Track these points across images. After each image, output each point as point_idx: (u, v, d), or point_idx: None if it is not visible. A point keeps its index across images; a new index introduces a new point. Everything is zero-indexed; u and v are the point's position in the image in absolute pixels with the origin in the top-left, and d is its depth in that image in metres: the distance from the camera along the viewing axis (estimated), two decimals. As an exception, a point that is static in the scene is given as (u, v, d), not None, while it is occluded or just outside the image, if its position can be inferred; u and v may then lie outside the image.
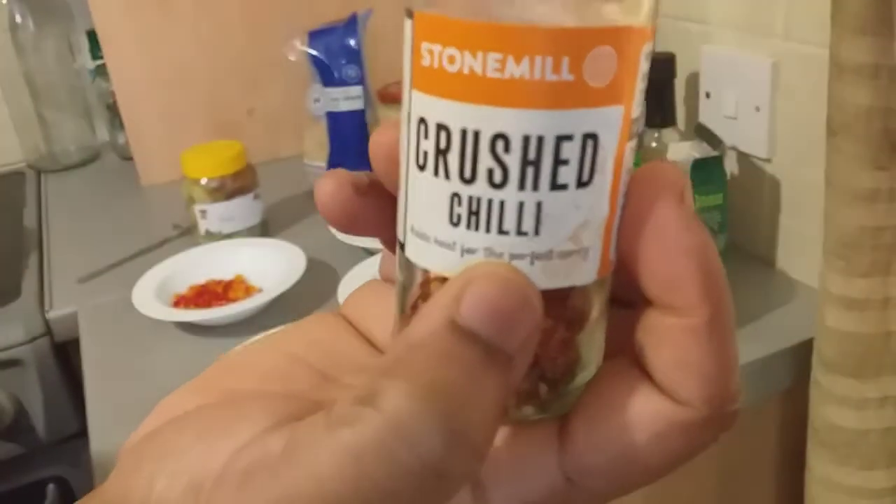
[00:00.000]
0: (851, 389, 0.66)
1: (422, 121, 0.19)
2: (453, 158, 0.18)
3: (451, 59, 0.18)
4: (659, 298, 0.19)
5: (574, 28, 0.17)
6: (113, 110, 1.28)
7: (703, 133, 0.80)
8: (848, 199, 0.62)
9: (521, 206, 0.18)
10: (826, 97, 0.62)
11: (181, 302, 0.84)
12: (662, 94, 0.86)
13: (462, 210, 0.18)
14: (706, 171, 0.76)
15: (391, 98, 1.10)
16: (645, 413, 0.19)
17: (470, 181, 0.18)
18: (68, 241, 1.08)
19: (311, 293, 0.84)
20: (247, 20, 1.19)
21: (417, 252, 0.20)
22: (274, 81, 1.21)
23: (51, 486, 0.94)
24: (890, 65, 0.58)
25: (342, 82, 1.07)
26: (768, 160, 0.83)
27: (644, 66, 0.19)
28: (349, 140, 1.09)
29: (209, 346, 0.79)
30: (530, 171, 0.18)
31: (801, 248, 0.82)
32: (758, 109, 0.81)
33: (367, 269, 0.86)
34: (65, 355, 0.92)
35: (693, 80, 0.89)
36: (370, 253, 0.91)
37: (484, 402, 0.17)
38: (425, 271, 0.20)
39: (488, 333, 0.17)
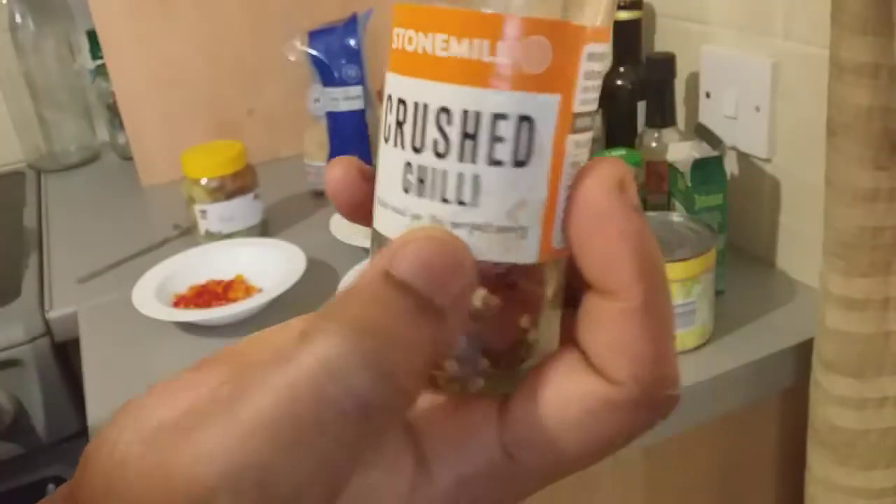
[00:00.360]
0: (851, 389, 0.66)
1: (389, 97, 0.21)
2: (408, 129, 0.20)
3: (410, 40, 0.20)
4: (596, 282, 0.20)
5: (511, 16, 0.19)
6: (113, 110, 1.28)
7: (703, 133, 0.80)
8: (848, 199, 0.62)
9: (460, 176, 0.19)
10: (826, 97, 0.62)
11: (181, 302, 0.84)
12: (662, 94, 0.86)
13: (412, 178, 0.20)
14: (706, 171, 0.76)
15: (391, 98, 1.10)
16: (578, 390, 0.20)
17: (419, 151, 0.20)
18: (68, 241, 1.08)
19: (311, 293, 0.84)
20: (247, 20, 1.19)
21: (379, 219, 0.21)
22: (274, 81, 1.21)
23: (51, 486, 0.94)
24: (890, 65, 0.58)
25: (342, 82, 1.07)
26: (768, 160, 0.83)
27: (588, 66, 0.20)
28: (349, 140, 1.09)
29: (209, 346, 0.79)
30: (469, 143, 0.19)
31: (801, 248, 0.82)
32: (758, 109, 0.81)
33: (367, 269, 0.86)
34: (65, 355, 0.92)
35: (693, 80, 0.89)
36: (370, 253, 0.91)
37: (413, 347, 0.18)
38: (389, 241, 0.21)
39: (419, 285, 0.18)
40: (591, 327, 0.20)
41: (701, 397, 0.71)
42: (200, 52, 1.18)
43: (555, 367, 0.21)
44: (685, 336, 0.72)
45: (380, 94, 1.15)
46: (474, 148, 0.19)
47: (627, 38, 0.92)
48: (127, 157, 1.28)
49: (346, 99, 1.07)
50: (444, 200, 0.20)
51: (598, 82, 0.21)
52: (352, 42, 1.06)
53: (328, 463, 0.18)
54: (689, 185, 0.76)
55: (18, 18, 1.29)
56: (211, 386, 0.19)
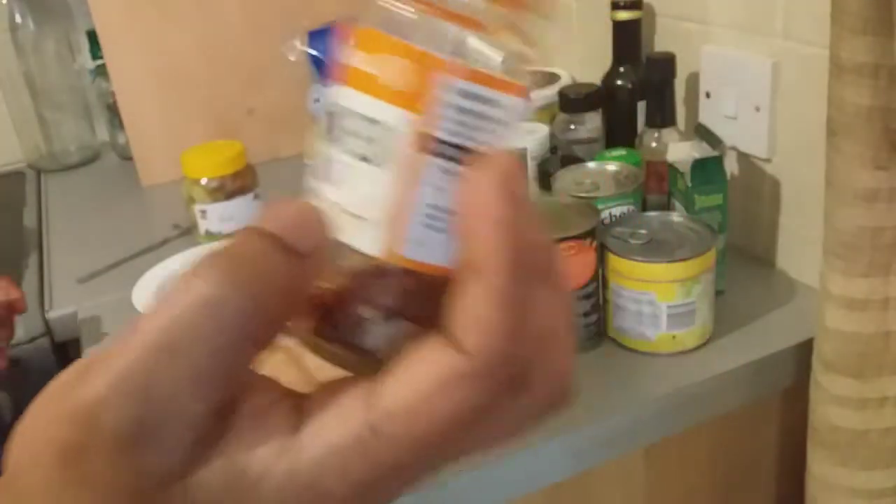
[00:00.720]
0: (851, 389, 0.66)
1: None
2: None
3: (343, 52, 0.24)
4: (469, 262, 0.22)
5: (388, 37, 0.22)
6: (113, 110, 1.28)
7: (703, 133, 0.80)
8: (848, 199, 0.62)
9: (328, 159, 0.23)
10: (826, 97, 0.62)
11: (181, 302, 0.84)
12: (662, 94, 0.86)
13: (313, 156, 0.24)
14: (706, 171, 0.76)
15: (391, 98, 1.10)
16: (434, 363, 0.22)
17: (321, 136, 0.24)
18: (68, 241, 1.08)
19: (311, 293, 0.84)
20: (247, 20, 1.19)
21: None
22: (274, 81, 1.21)
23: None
24: (890, 65, 0.58)
25: (342, 82, 1.06)
26: (768, 160, 0.83)
27: (455, 100, 0.22)
28: (349, 140, 1.09)
29: (209, 346, 0.79)
30: (339, 133, 0.23)
31: (801, 248, 0.82)
32: (758, 109, 0.81)
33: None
34: (65, 355, 0.92)
35: (693, 80, 0.89)
36: (370, 253, 0.91)
37: (279, 279, 0.21)
38: None
39: (283, 234, 0.22)
40: (458, 301, 0.22)
41: (701, 397, 0.71)
42: (200, 52, 1.18)
43: (419, 346, 0.22)
44: (685, 336, 0.72)
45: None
46: (338, 137, 0.23)
47: (627, 38, 0.92)
48: (127, 157, 1.28)
49: (346, 99, 1.07)
50: (322, 178, 0.24)
51: (490, 125, 0.23)
52: (352, 42, 1.06)
53: (204, 368, 0.21)
54: (689, 185, 0.76)
55: (18, 18, 1.29)
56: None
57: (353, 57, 0.23)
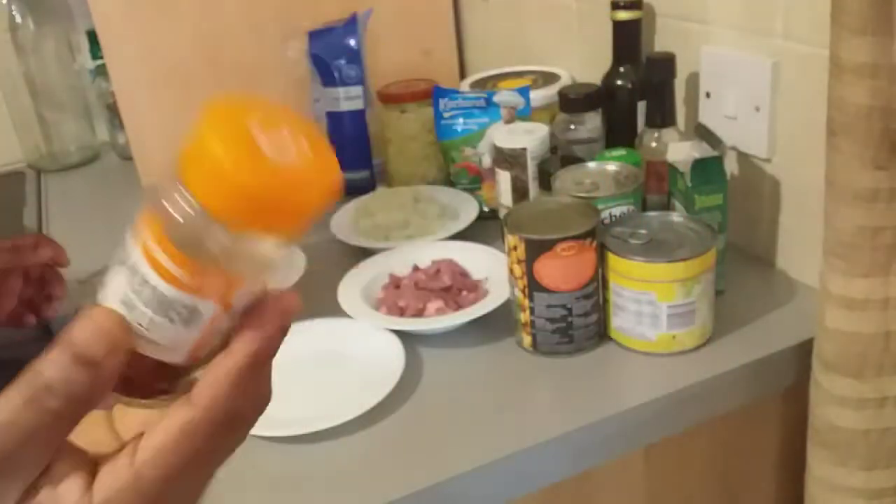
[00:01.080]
0: (851, 389, 0.66)
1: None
2: (127, 272, 0.34)
3: (155, 245, 0.33)
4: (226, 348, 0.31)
5: (190, 264, 0.30)
6: (113, 110, 1.28)
7: (703, 133, 0.80)
8: (848, 199, 0.62)
9: (130, 303, 0.32)
10: (826, 97, 0.62)
11: (181, 302, 0.84)
12: (662, 94, 0.86)
13: (132, 294, 0.33)
14: (706, 171, 0.76)
15: (391, 98, 1.10)
16: (175, 416, 0.30)
17: (138, 293, 0.32)
18: (68, 241, 1.08)
19: (311, 293, 0.84)
20: (247, 20, 1.19)
21: (107, 282, 0.35)
22: (274, 81, 1.21)
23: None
24: (890, 65, 0.58)
25: (342, 82, 1.07)
26: (768, 160, 0.83)
27: (240, 296, 0.32)
28: (349, 140, 1.09)
29: (209, 346, 0.79)
30: (136, 290, 0.32)
31: (801, 248, 0.82)
32: (758, 109, 0.81)
33: (367, 269, 0.86)
34: (65, 355, 0.92)
35: (693, 80, 0.89)
36: (370, 253, 0.91)
37: (79, 390, 0.28)
38: None
39: (84, 346, 0.29)
40: (208, 369, 0.31)
41: (701, 397, 0.71)
42: (200, 52, 1.18)
43: (171, 406, 0.31)
44: (685, 336, 0.72)
45: (379, 94, 1.15)
46: (166, 311, 0.31)
47: (627, 38, 0.92)
48: (127, 157, 1.28)
49: (346, 99, 1.07)
50: (139, 322, 0.31)
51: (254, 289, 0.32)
52: (352, 42, 1.07)
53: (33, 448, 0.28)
54: (689, 185, 0.76)
55: (18, 18, 1.29)
56: None
57: (159, 252, 0.31)
